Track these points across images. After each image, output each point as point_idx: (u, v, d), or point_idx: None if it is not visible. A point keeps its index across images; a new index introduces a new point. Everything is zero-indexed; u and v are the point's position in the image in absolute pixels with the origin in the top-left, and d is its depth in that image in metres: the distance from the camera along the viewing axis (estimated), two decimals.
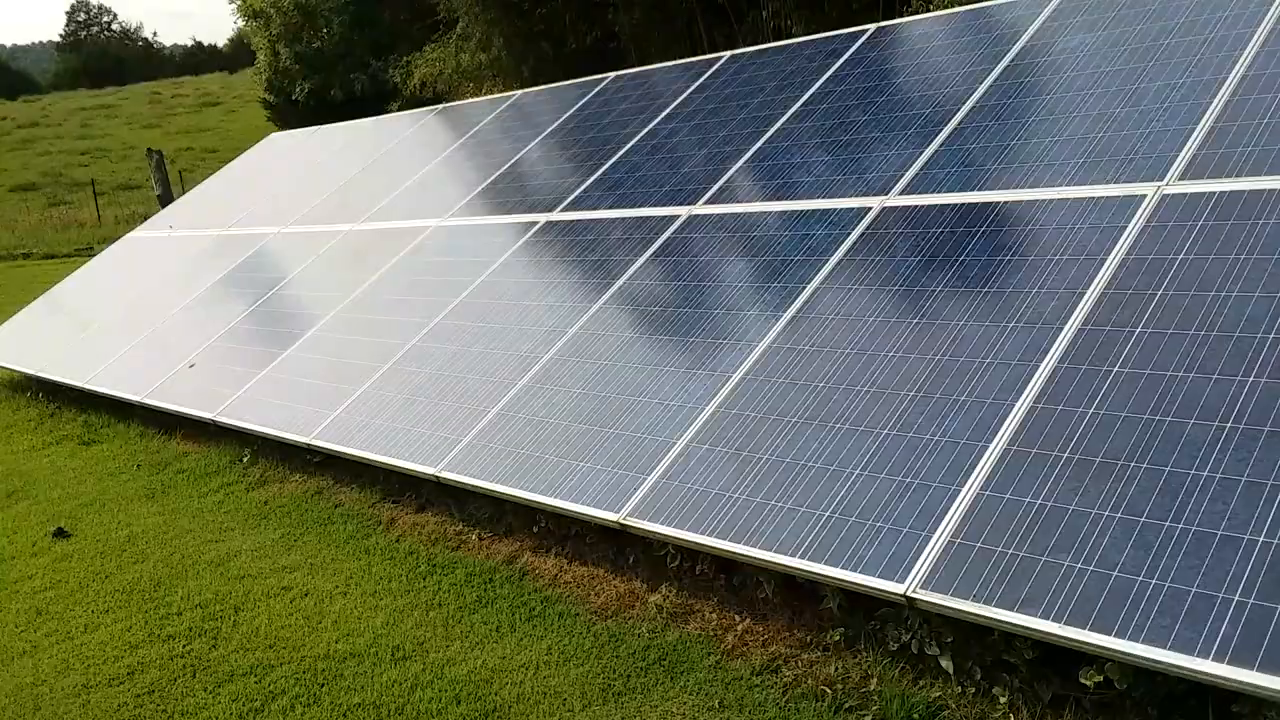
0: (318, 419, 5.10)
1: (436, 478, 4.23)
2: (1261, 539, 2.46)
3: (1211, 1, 4.46)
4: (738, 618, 3.27)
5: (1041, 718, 2.63)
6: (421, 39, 16.73)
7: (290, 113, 21.40)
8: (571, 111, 7.12)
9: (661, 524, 3.41)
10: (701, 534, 3.29)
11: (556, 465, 3.92)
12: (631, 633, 3.31)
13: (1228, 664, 2.27)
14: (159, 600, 4.12)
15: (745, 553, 3.16)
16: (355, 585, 3.97)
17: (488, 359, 4.85)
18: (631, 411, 4.00)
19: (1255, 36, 4.10)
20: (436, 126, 8.40)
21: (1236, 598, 2.38)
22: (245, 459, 5.63)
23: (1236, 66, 4.01)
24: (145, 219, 11.34)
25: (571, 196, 5.94)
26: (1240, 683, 2.24)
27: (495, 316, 5.16)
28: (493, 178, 6.79)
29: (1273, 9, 4.18)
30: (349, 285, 6.38)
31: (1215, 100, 3.90)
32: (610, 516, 3.54)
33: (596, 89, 7.27)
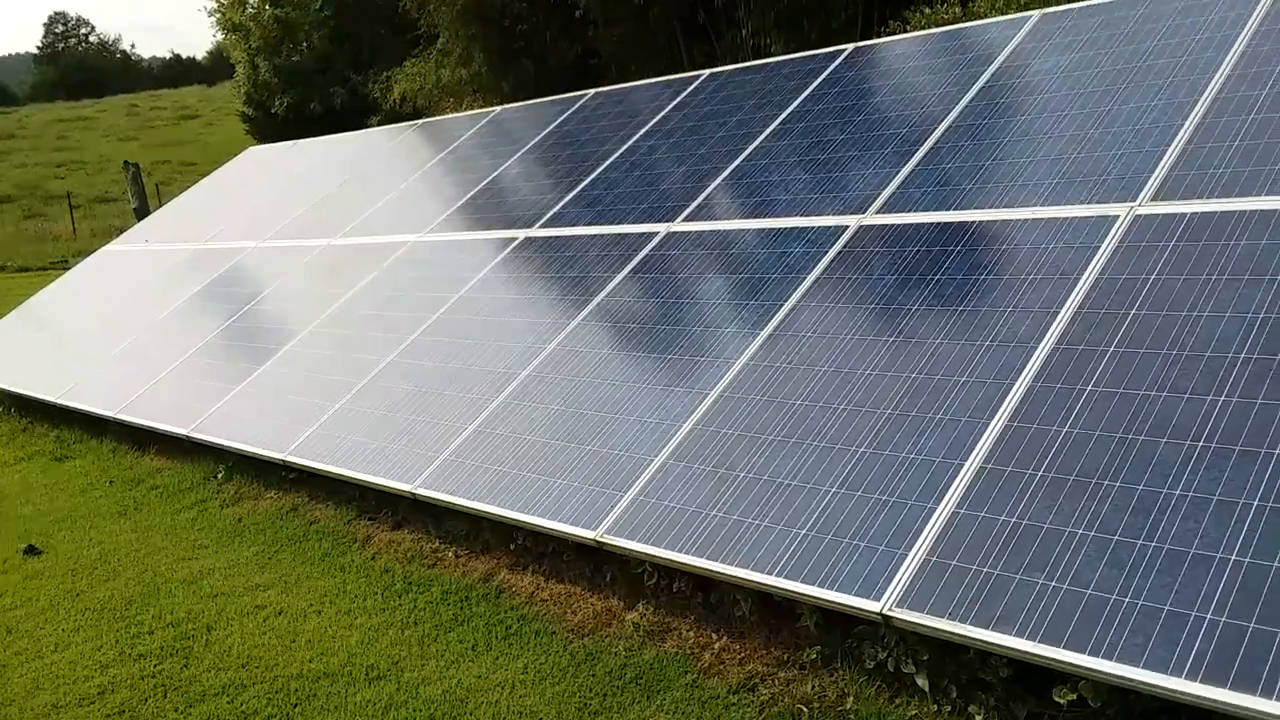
0: (293, 435, 5.06)
1: (413, 495, 4.20)
2: (1233, 558, 2.48)
3: (1184, 25, 4.53)
4: (715, 636, 3.27)
5: None
6: (402, 54, 16.73)
7: (269, 126, 21.33)
8: (551, 128, 7.14)
9: (638, 542, 3.40)
10: (678, 552, 3.29)
11: (533, 482, 3.91)
12: (608, 651, 3.30)
13: (1201, 682, 2.28)
14: (130, 619, 4.07)
15: (722, 571, 3.15)
16: (330, 604, 3.94)
17: (465, 375, 4.83)
18: (609, 428, 3.99)
19: (1227, 59, 4.16)
20: (416, 141, 8.39)
21: (1209, 616, 2.39)
22: (220, 475, 5.58)
23: (1208, 89, 4.07)
24: (121, 232, 11.26)
25: (550, 213, 5.95)
26: (1213, 701, 2.25)
27: (473, 333, 5.15)
28: (471, 193, 6.79)
29: (1244, 33, 4.25)
30: (326, 300, 6.35)
31: (1187, 122, 3.96)
32: (587, 534, 3.53)
33: (576, 105, 7.28)
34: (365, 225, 7.20)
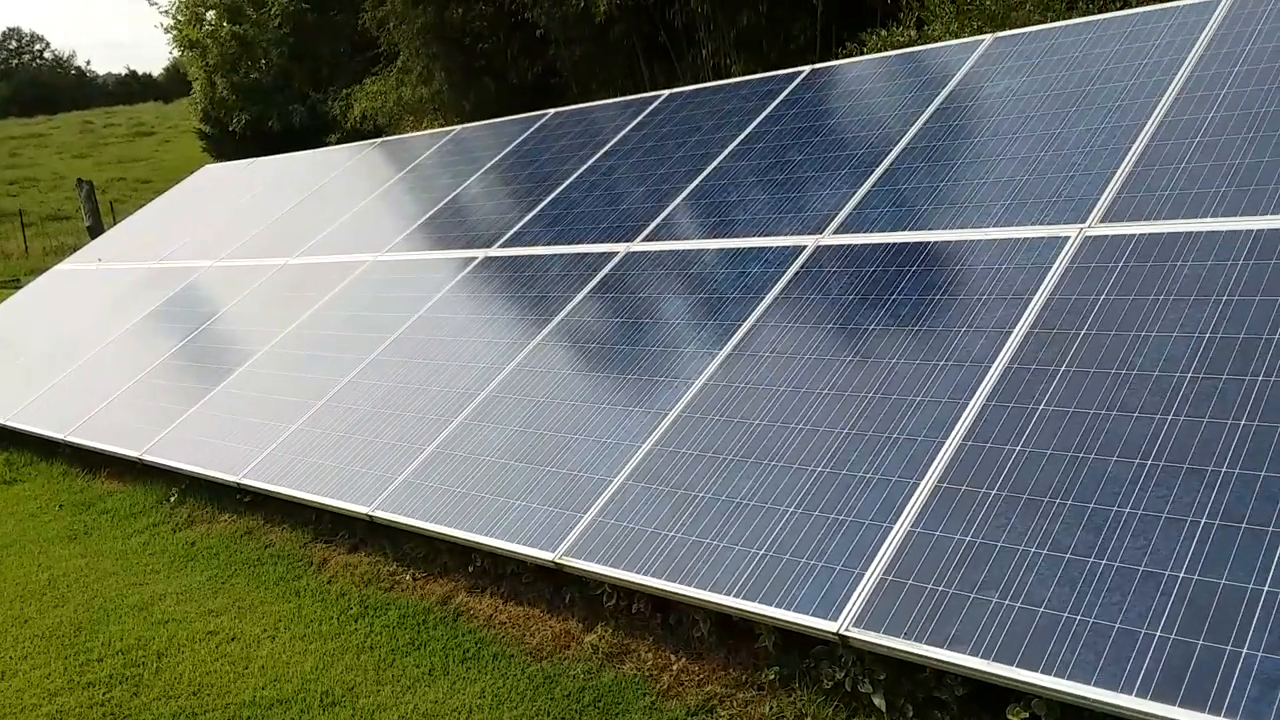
0: (248, 457, 4.99)
1: (370, 517, 4.16)
2: (1182, 575, 2.52)
3: (1131, 50, 4.63)
4: (674, 657, 3.26)
5: None
6: (362, 71, 16.66)
7: (227, 144, 21.12)
8: (512, 147, 7.13)
9: (597, 563, 3.38)
10: (637, 573, 3.28)
11: (492, 504, 3.89)
12: (566, 674, 3.28)
13: (1150, 699, 2.31)
14: (79, 646, 3.98)
15: (681, 592, 3.15)
16: (284, 628, 3.88)
17: (424, 395, 4.80)
18: (568, 449, 3.98)
19: (1173, 83, 4.25)
20: (375, 160, 8.35)
21: (1158, 634, 2.43)
22: (173, 499, 5.49)
23: (1155, 112, 4.16)
24: (74, 251, 11.08)
25: (510, 232, 5.94)
26: (1163, 719, 2.27)
27: (432, 353, 5.11)
28: (431, 212, 6.76)
29: (1189, 57, 4.35)
30: (283, 320, 6.28)
31: (1135, 145, 4.04)
32: (546, 556, 3.51)
33: (537, 125, 7.29)
34: (323, 244, 7.14)
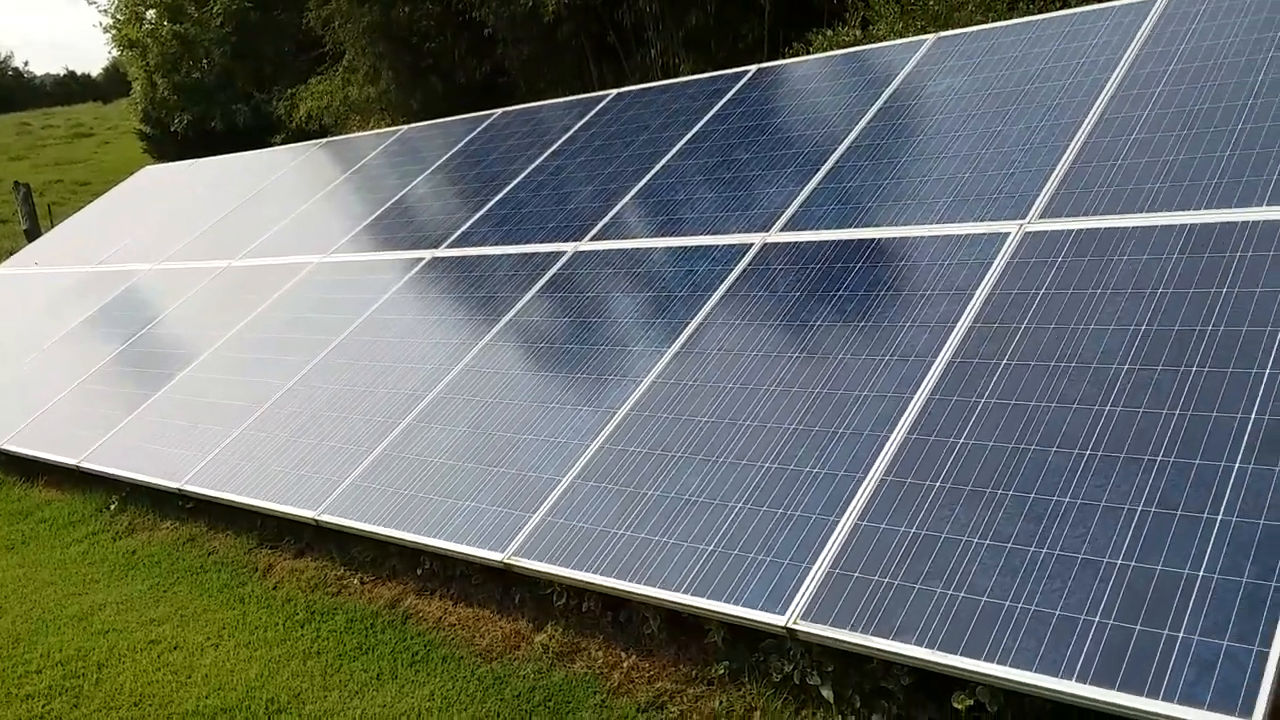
0: (191, 463, 4.90)
1: (316, 521, 4.10)
2: (1119, 562, 2.57)
3: (1069, 49, 4.71)
4: (624, 655, 3.25)
5: None
6: (307, 71, 16.43)
7: (168, 144, 20.70)
8: (459, 146, 7.08)
9: (546, 563, 3.37)
10: (587, 572, 3.27)
11: (441, 505, 3.85)
12: (517, 674, 3.26)
13: (1090, 684, 2.35)
14: (18, 658, 3.88)
15: (630, 589, 3.14)
16: (229, 636, 3.81)
17: (371, 398, 4.74)
18: (517, 449, 3.96)
19: (1110, 81, 4.34)
20: (321, 160, 8.25)
21: (1097, 619, 2.47)
22: (113, 506, 5.37)
23: (1092, 110, 4.24)
24: (10, 255, 10.80)
25: (458, 232, 5.89)
26: (1102, 702, 2.32)
27: (379, 354, 5.06)
28: (378, 213, 6.69)
29: (1125, 56, 4.44)
30: (225, 324, 6.18)
31: (1073, 142, 4.11)
32: (495, 556, 3.49)
33: (485, 124, 7.25)
34: (267, 246, 7.03)
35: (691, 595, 3.02)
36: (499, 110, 7.38)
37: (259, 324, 5.98)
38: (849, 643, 2.70)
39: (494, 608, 3.68)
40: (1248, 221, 3.35)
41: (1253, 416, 2.75)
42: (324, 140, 8.75)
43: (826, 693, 2.85)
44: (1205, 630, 2.34)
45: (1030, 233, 3.77)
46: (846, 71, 5.54)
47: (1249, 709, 2.17)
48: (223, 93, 19.93)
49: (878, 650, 2.66)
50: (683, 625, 3.28)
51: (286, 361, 5.40)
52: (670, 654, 3.21)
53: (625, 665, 3.20)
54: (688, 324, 4.19)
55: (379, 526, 3.88)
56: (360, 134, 8.71)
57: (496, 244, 5.55)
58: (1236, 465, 2.65)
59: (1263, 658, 2.24)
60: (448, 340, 4.89)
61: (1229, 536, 2.50)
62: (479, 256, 5.52)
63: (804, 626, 2.78)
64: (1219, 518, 2.55)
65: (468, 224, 5.93)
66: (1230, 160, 3.61)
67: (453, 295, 5.28)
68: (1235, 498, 2.57)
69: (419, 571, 3.99)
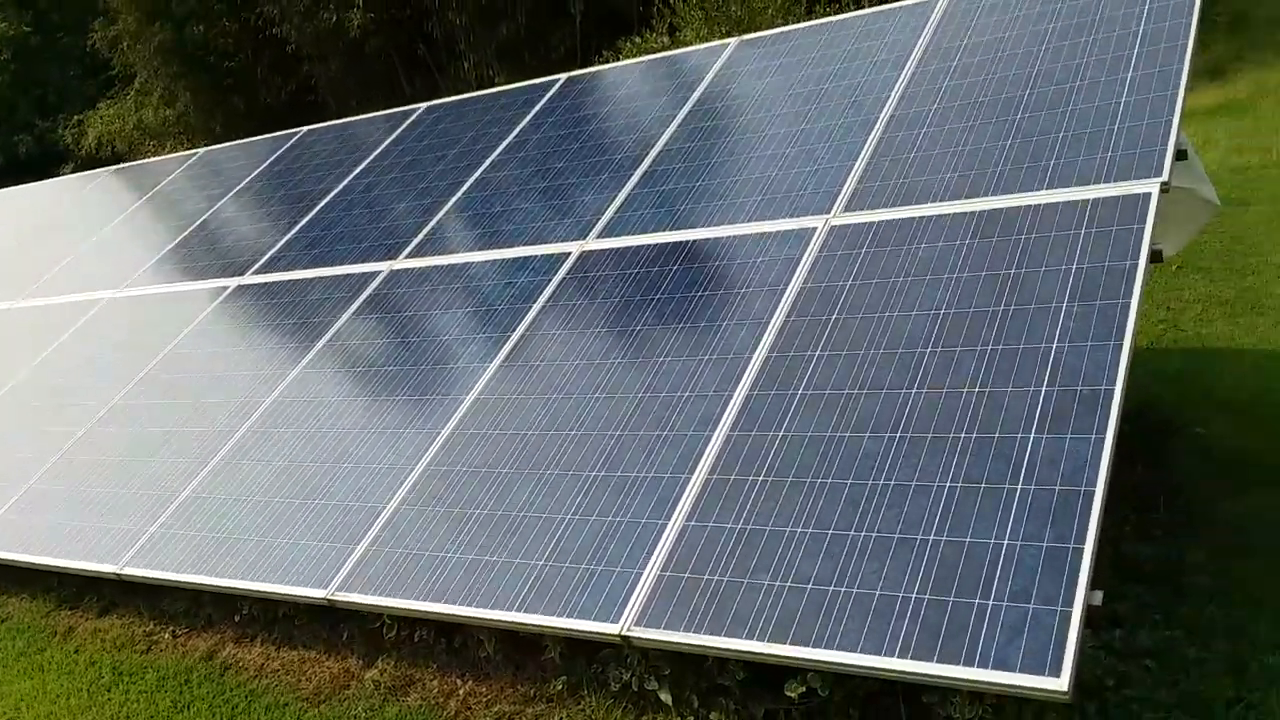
0: None
1: (118, 575, 3.81)
2: (932, 538, 2.66)
3: (863, 48, 4.89)
4: (460, 682, 3.15)
5: None
6: (96, 95, 15.43)
7: None
8: (264, 167, 6.78)
9: (373, 595, 3.23)
10: (415, 599, 3.15)
11: (257, 545, 3.64)
12: (347, 715, 3.11)
13: (910, 659, 2.41)
14: None
15: (461, 613, 3.04)
16: (27, 709, 3.48)
17: (177, 438, 4.45)
18: (338, 479, 3.79)
19: (901, 77, 4.52)
20: (113, 187, 7.73)
21: (914, 595, 2.54)
22: None
23: (887, 105, 4.40)
24: None
25: (266, 257, 5.62)
26: (923, 675, 2.38)
27: (183, 391, 4.76)
28: (177, 241, 6.32)
29: (914, 53, 4.64)
30: (6, 371, 5.69)
31: (870, 137, 4.26)
32: (318, 593, 3.31)
33: (291, 142, 6.96)
34: (54, 283, 6.53)
35: (524, 613, 2.95)
36: (305, 128, 7.10)
37: (46, 369, 5.53)
38: (682, 644, 2.69)
39: (321, 648, 3.50)
40: (1031, 205, 3.54)
41: (1044, 389, 2.90)
42: (117, 166, 8.21)
43: (665, 696, 2.84)
44: (1013, 596, 2.44)
45: (835, 226, 3.89)
46: (654, 77, 5.59)
47: (1057, 668, 2.27)
48: (3, 123, 18.51)
49: (711, 648, 2.65)
50: (519, 644, 3.20)
51: (80, 406, 5.01)
52: (508, 675, 3.13)
53: (462, 692, 3.10)
54: (509, 337, 4.12)
55: (188, 574, 3.63)
56: (156, 159, 8.22)
57: (307, 267, 5.32)
58: (1032, 436, 2.78)
59: (1066, 617, 2.35)
60: (258, 372, 4.64)
61: (1029, 504, 2.62)
62: (289, 281, 5.28)
63: (638, 632, 2.75)
64: (1019, 487, 2.67)
65: (275, 248, 5.67)
66: (1013, 148, 3.82)
67: (262, 324, 5.03)
68: (1032, 467, 2.70)
69: (237, 618, 3.76)
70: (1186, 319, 5.61)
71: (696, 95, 5.20)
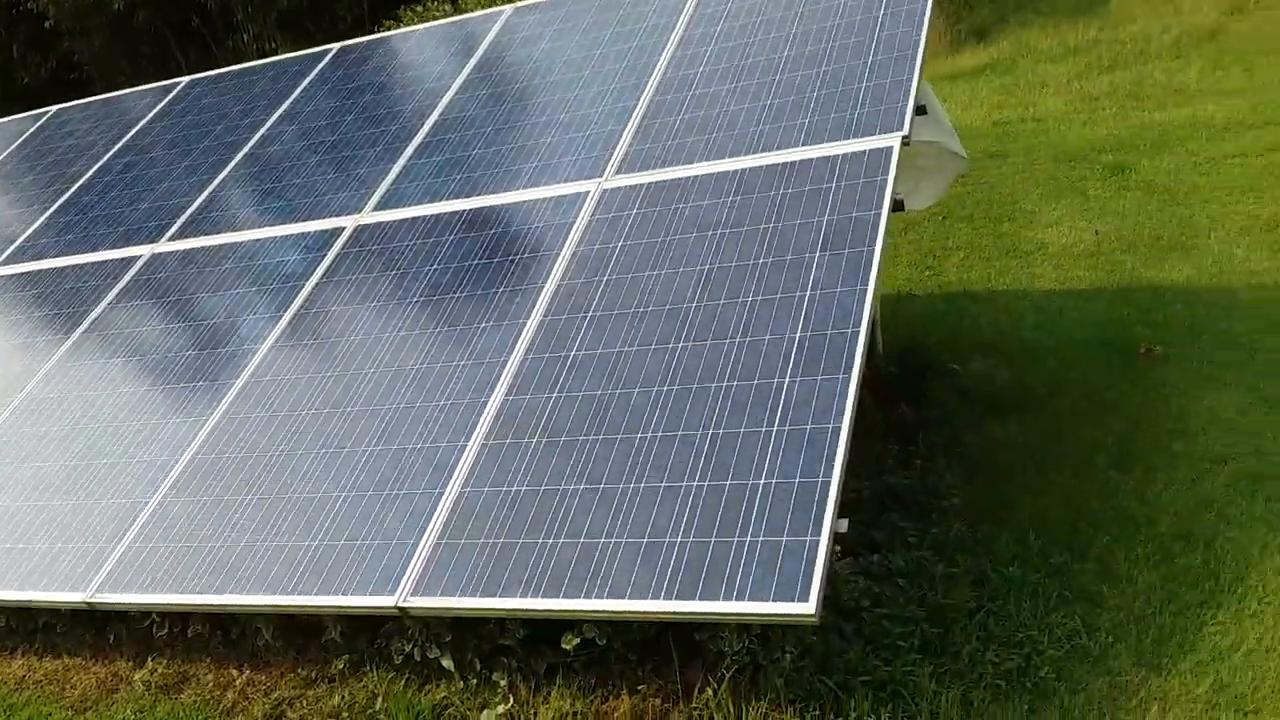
0: None
1: None
2: (695, 484, 2.75)
3: (634, 14, 4.95)
4: (237, 672, 3.05)
5: (538, 690, 2.74)
6: None
7: None
8: (11, 150, 6.26)
9: (137, 592, 3.07)
10: (184, 594, 3.02)
11: (9, 551, 3.40)
12: None
13: (675, 599, 2.50)
14: None
15: (232, 602, 2.94)
16: None
17: None
18: (97, 476, 3.58)
19: (669, 42, 4.61)
20: None
21: (679, 539, 2.63)
22: None
23: (656, 69, 4.48)
24: None
25: (13, 246, 5.21)
26: (686, 614, 2.47)
27: None
28: None
29: (681, 18, 4.72)
30: None
31: (640, 101, 4.33)
32: (76, 597, 3.13)
33: (40, 123, 6.46)
34: None
35: (299, 595, 2.88)
36: (55, 107, 6.60)
37: None
38: (459, 608, 2.70)
39: (87, 654, 3.31)
40: (788, 162, 3.69)
41: (798, 335, 3.04)
42: None
43: (447, 663, 2.84)
44: (769, 531, 2.57)
45: (607, 190, 3.94)
46: (431, 44, 5.49)
47: (805, 594, 2.41)
48: None
49: (487, 609, 2.67)
50: (300, 628, 3.13)
51: None
52: (288, 660, 3.05)
53: (239, 683, 3.00)
54: (282, 316, 3.98)
55: None
56: None
57: (60, 254, 4.97)
58: (787, 380, 2.92)
59: (815, 546, 2.49)
60: (6, 369, 4.31)
61: (784, 444, 2.75)
62: (39, 271, 4.91)
63: (415, 602, 2.74)
64: (774, 429, 2.80)
65: (24, 235, 5.26)
66: (772, 108, 3.96)
67: (8, 318, 4.66)
68: (787, 409, 2.84)
69: None
70: (949, 265, 6.00)
71: (473, 62, 5.14)
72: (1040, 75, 9.65)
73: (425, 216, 4.22)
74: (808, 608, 2.37)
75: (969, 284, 5.73)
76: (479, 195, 4.19)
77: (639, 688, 2.69)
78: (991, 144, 7.97)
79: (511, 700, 2.72)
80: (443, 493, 3.01)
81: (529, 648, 2.84)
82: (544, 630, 2.84)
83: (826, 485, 2.60)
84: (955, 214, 6.68)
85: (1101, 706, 2.61)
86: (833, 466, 2.63)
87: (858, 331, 2.97)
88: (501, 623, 2.84)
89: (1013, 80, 9.77)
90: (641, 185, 3.89)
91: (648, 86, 4.41)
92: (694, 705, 2.60)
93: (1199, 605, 2.93)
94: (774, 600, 2.42)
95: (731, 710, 2.60)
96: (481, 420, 3.19)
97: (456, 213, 4.16)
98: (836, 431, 2.72)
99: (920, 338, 5.02)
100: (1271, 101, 7.51)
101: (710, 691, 2.62)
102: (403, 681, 2.85)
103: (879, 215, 3.31)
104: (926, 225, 6.61)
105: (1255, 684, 2.63)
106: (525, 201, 4.06)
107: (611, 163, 4.06)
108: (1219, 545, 3.18)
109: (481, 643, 2.86)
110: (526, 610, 2.62)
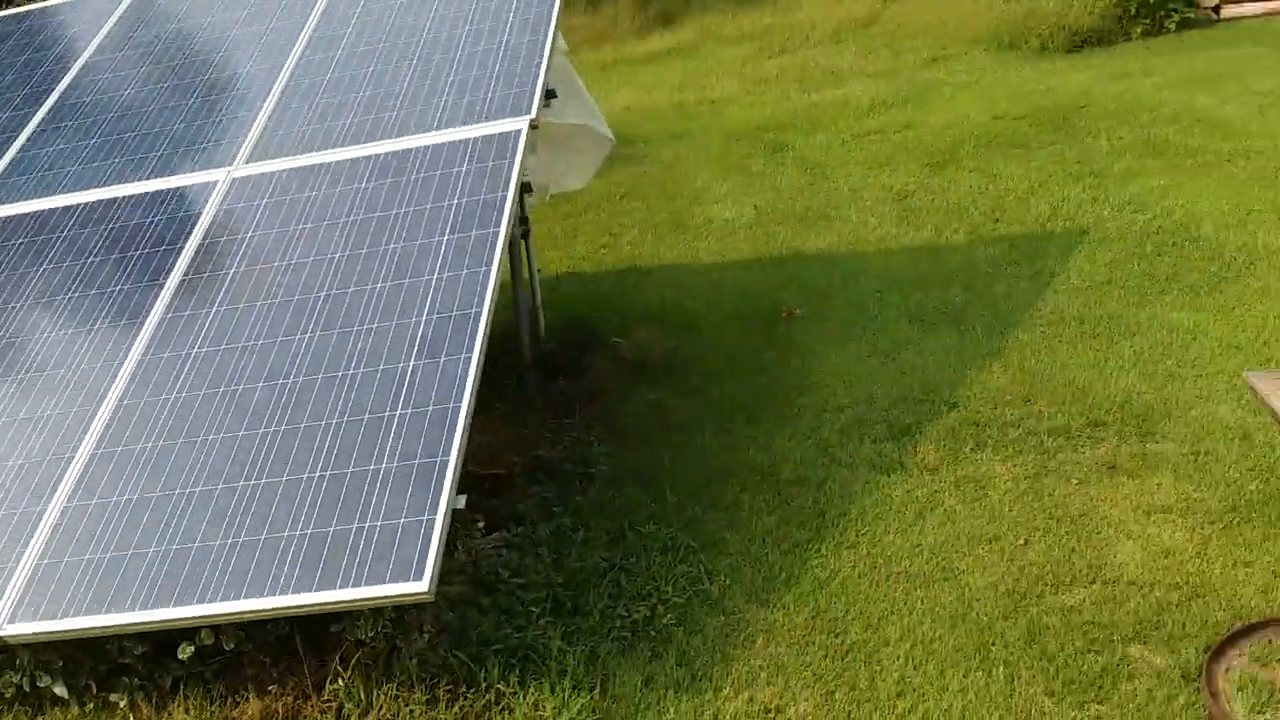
0: None
1: None
2: (318, 474, 2.72)
3: None
4: None
5: (164, 706, 2.62)
6: None
7: None
8: None
9: None
10: None
11: None
12: None
13: (292, 593, 2.47)
14: None
15: None
16: None
17: None
18: None
19: (307, 25, 4.47)
20: None
21: (299, 532, 2.60)
22: None
23: (292, 54, 4.34)
24: None
25: None
26: (302, 606, 2.45)
27: None
28: None
29: (319, 2, 4.60)
30: None
31: (275, 87, 4.18)
32: None
33: None
34: None
35: None
36: None
37: None
38: (64, 631, 2.54)
39: None
40: (421, 147, 3.70)
41: (424, 318, 3.07)
42: None
43: (59, 690, 2.66)
44: (388, 514, 2.59)
45: (238, 179, 3.79)
46: (43, 29, 5.04)
47: (420, 572, 2.45)
48: None
49: (95, 628, 2.53)
50: None
51: None
52: None
53: None
54: None
55: None
56: None
57: None
58: (411, 364, 2.94)
59: (431, 525, 2.54)
60: None
61: (406, 427, 2.77)
62: None
63: (13, 629, 2.54)
64: (398, 413, 2.82)
65: None
66: (408, 93, 3.95)
67: None
68: (411, 393, 2.86)
69: None
70: (624, 241, 6.23)
71: (92, 48, 4.76)
72: (719, 59, 10.18)
73: (28, 214, 3.89)
74: (421, 586, 2.41)
75: (640, 259, 5.98)
76: (97, 188, 3.91)
77: (269, 688, 2.64)
78: (672, 125, 8.34)
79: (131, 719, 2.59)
80: (45, 509, 2.80)
81: (152, 663, 2.71)
82: (168, 643, 2.71)
83: (445, 464, 2.65)
84: (633, 193, 6.94)
85: (715, 644, 2.84)
86: (451, 446, 2.69)
87: (480, 311, 3.04)
88: (120, 641, 2.69)
89: (695, 64, 10.25)
90: (274, 173, 3.77)
91: (284, 71, 4.27)
92: (324, 698, 2.59)
93: (806, 542, 3.24)
94: (390, 582, 2.44)
95: (363, 697, 2.61)
96: (91, 429, 2.99)
97: (69, 207, 3.86)
98: (456, 410, 2.77)
99: (588, 313, 5.19)
100: (909, 82, 8.35)
101: (341, 681, 2.61)
102: (12, 717, 2.64)
103: (504, 197, 3.39)
104: (605, 204, 6.83)
105: (846, 608, 2.95)
106: (149, 193, 3.83)
107: (243, 150, 3.91)
108: (829, 486, 3.53)
109: (98, 664, 2.70)
110: (138, 624, 2.50)
